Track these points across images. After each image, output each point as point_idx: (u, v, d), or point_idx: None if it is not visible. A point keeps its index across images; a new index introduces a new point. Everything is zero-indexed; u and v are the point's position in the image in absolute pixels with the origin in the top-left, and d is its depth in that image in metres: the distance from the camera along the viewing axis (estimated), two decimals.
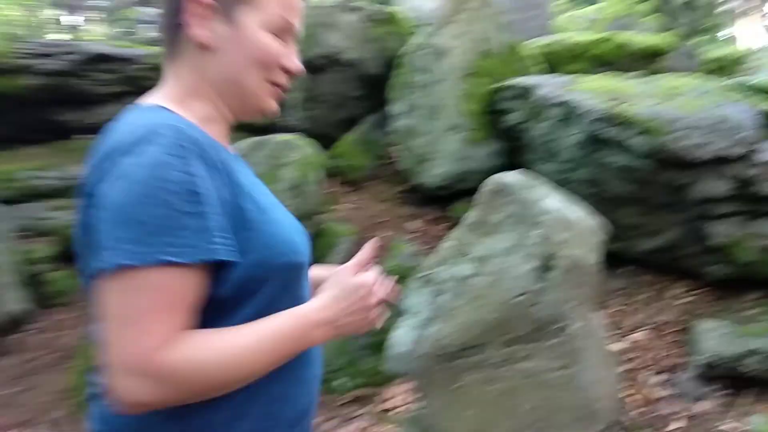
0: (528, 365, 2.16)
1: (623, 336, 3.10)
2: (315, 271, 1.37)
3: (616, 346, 3.01)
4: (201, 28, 0.87)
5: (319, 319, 0.87)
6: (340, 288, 0.90)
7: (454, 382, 2.15)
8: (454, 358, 2.13)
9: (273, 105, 0.94)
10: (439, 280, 2.18)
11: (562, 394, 2.17)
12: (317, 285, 1.33)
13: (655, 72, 4.81)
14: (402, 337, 2.14)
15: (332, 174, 4.02)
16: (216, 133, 0.90)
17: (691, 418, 2.55)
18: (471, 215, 2.27)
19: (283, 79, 0.93)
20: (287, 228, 0.90)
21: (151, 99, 0.90)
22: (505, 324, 2.12)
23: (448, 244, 2.24)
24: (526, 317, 2.12)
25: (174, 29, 0.89)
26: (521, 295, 2.12)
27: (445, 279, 2.17)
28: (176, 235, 0.74)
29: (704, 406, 2.61)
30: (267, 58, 0.89)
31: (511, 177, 2.26)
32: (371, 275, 0.92)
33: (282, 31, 0.91)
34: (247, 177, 0.90)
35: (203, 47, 0.88)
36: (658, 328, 3.11)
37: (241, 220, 0.81)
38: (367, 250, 0.95)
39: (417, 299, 2.18)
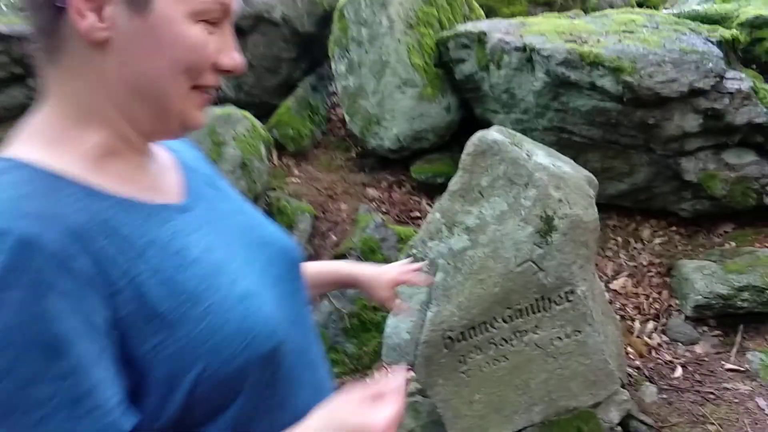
0: (537, 336, 2.02)
1: (606, 284, 3.04)
2: (346, 267, 1.15)
3: None
4: (93, 18, 0.59)
5: None
6: (334, 428, 0.61)
7: (459, 366, 1.98)
8: (457, 340, 1.96)
9: (200, 118, 0.67)
10: (430, 257, 1.98)
11: (574, 361, 2.06)
12: (346, 283, 1.12)
13: (589, 10, 4.72)
14: (397, 324, 1.94)
15: (275, 146, 3.70)
16: (122, 172, 0.63)
17: (692, 362, 2.52)
18: (455, 182, 2.07)
19: (215, 80, 0.66)
20: (254, 302, 0.65)
21: (14, 139, 0.61)
22: (509, 296, 1.96)
23: (433, 217, 2.04)
24: (531, 286, 1.97)
25: (52, 20, 0.60)
26: (524, 262, 1.96)
27: (436, 256, 1.97)
28: (31, 418, 0.49)
29: (701, 348, 2.59)
30: (196, 58, 0.63)
31: (496, 134, 2.06)
32: (385, 415, 0.60)
33: (214, 16, 0.63)
34: (200, 232, 0.65)
35: (97, 45, 0.60)
36: (638, 272, 3.06)
37: (174, 319, 0.57)
38: (391, 380, 0.65)
39: None
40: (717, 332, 2.63)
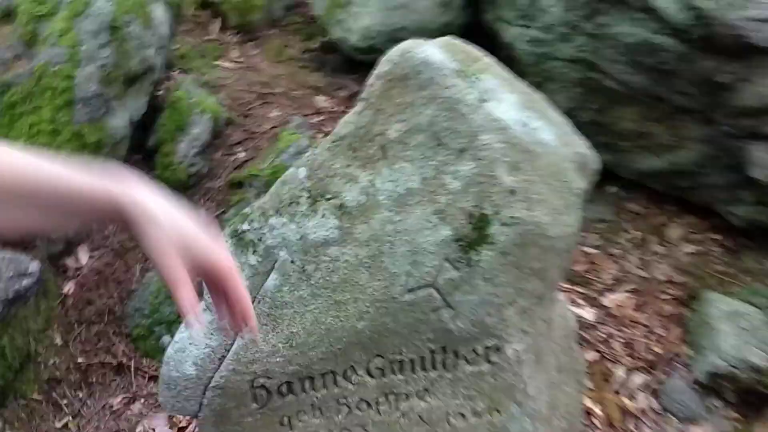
0: (424, 405, 1.24)
1: (595, 297, 2.21)
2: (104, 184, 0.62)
3: (581, 313, 2.12)
4: None
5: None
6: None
7: None
8: (279, 393, 1.18)
9: None
10: (267, 244, 1.16)
11: None
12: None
13: None
14: (187, 348, 1.17)
15: (211, 13, 2.81)
16: None
17: None
18: (347, 121, 1.22)
19: None
20: None
21: None
22: (383, 338, 1.17)
23: (293, 173, 1.20)
24: (426, 328, 1.16)
25: None
26: (420, 287, 1.14)
27: (276, 244, 1.16)
28: None
29: (703, 430, 1.79)
30: None
31: (436, 50, 1.19)
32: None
33: None
34: None
35: None
36: (648, 290, 2.22)
37: None
38: None
39: None
40: (734, 414, 1.82)
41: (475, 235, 1.14)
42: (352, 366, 1.19)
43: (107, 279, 2.13)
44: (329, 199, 1.17)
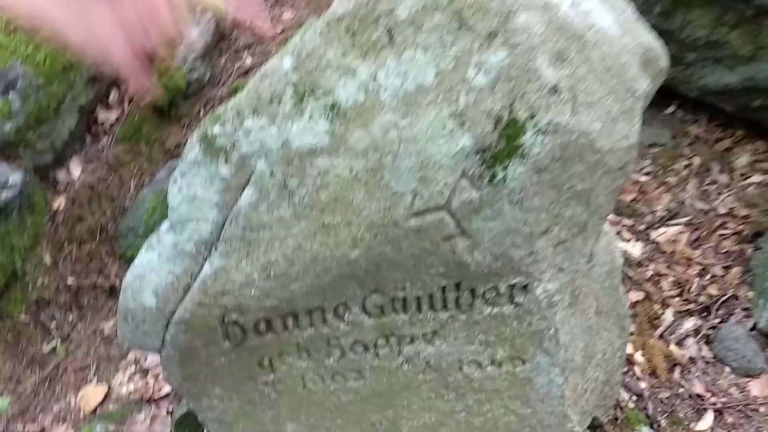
0: (432, 350, 1.05)
1: (643, 230, 1.96)
2: None
3: (627, 248, 1.88)
4: None
5: None
6: None
7: (261, 374, 1.05)
8: (256, 331, 1.00)
9: None
10: (246, 151, 0.94)
11: (498, 405, 1.11)
12: None
13: None
14: (147, 274, 0.98)
15: None
16: None
17: (735, 408, 1.52)
18: None
19: None
20: None
21: None
22: (383, 270, 0.96)
23: (277, 65, 0.96)
24: (436, 260, 0.95)
25: None
26: (430, 211, 0.91)
27: (253, 151, 0.94)
28: None
29: (761, 387, 1.56)
30: None
31: None
32: None
33: None
34: None
35: None
36: (706, 224, 1.95)
37: None
38: None
39: (191, 188, 0.96)
40: None
41: (502, 144, 0.89)
42: (344, 302, 0.99)
43: (100, 195, 1.96)
44: (319, 96, 0.94)
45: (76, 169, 2.01)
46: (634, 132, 0.97)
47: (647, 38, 1.01)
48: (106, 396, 1.67)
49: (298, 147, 0.93)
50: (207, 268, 0.95)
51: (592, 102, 0.91)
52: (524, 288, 0.98)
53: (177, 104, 2.02)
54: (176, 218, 0.97)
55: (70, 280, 1.85)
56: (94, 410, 1.65)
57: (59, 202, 1.96)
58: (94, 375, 1.72)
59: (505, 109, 0.89)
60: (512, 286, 0.98)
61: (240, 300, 0.95)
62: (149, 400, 1.62)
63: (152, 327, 0.98)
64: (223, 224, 0.96)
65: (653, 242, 1.93)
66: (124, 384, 1.68)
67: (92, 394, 1.67)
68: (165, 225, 1.00)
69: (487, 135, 0.89)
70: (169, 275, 0.97)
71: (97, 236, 1.91)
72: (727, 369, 1.60)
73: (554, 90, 0.89)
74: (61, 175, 2.00)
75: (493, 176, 0.90)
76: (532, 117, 0.89)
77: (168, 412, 1.60)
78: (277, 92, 0.95)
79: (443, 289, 0.98)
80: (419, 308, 1.00)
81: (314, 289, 0.96)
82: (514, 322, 1.02)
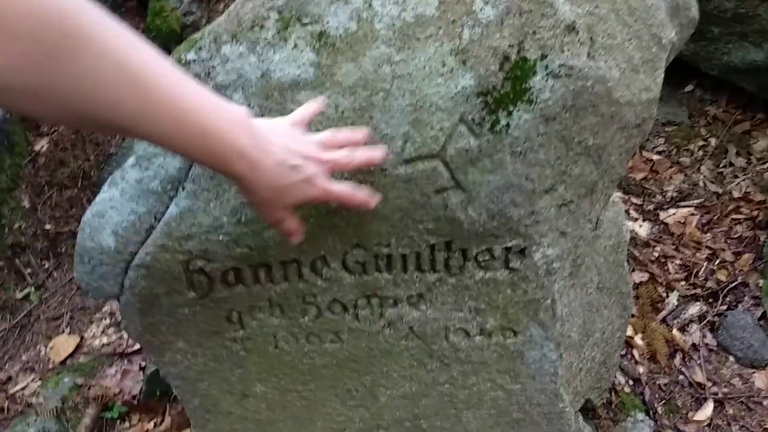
0: (416, 315, 0.95)
1: (652, 210, 1.86)
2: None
3: (634, 227, 1.79)
4: None
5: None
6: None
7: (229, 329, 0.96)
8: (224, 282, 0.91)
9: None
10: (222, 81, 0.85)
11: (484, 378, 1.03)
12: None
13: None
14: (107, 212, 0.89)
15: None
16: None
17: (737, 400, 1.43)
18: None
19: None
20: None
21: None
22: (367, 223, 0.86)
23: None
24: (426, 216, 0.85)
25: None
26: (423, 158, 0.82)
27: (230, 81, 0.84)
28: None
29: (765, 380, 1.48)
30: None
31: None
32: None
33: None
34: None
35: None
36: (718, 208, 1.85)
37: None
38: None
39: None
40: None
41: (507, 87, 0.79)
42: (323, 257, 0.90)
43: (84, 139, 1.87)
44: (306, 23, 0.84)
45: None
46: (657, 85, 0.87)
47: None
48: (78, 347, 1.60)
49: (279, 79, 0.83)
50: (173, 209, 0.86)
51: (612, 46, 0.81)
52: (521, 252, 0.89)
53: (170, 49, 1.92)
54: (142, 152, 0.88)
55: (49, 226, 1.77)
56: (64, 361, 1.58)
57: (41, 144, 1.86)
58: (67, 325, 1.65)
59: (514, 48, 0.79)
60: (508, 249, 0.89)
61: (207, 246, 0.86)
62: (122, 354, 1.55)
63: (110, 270, 0.90)
64: (190, 165, 0.86)
65: (662, 223, 1.83)
66: (98, 336, 1.61)
67: (63, 344, 1.60)
68: (131, 159, 0.91)
69: (491, 75, 0.79)
70: (132, 214, 0.88)
71: (80, 182, 1.82)
72: (731, 358, 1.52)
73: (570, 28, 0.79)
74: None
75: (494, 123, 0.80)
76: (543, 58, 0.79)
77: (140, 368, 1.52)
78: (260, 17, 0.85)
79: (432, 248, 0.88)
80: (405, 268, 0.91)
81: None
82: (508, 289, 0.93)
